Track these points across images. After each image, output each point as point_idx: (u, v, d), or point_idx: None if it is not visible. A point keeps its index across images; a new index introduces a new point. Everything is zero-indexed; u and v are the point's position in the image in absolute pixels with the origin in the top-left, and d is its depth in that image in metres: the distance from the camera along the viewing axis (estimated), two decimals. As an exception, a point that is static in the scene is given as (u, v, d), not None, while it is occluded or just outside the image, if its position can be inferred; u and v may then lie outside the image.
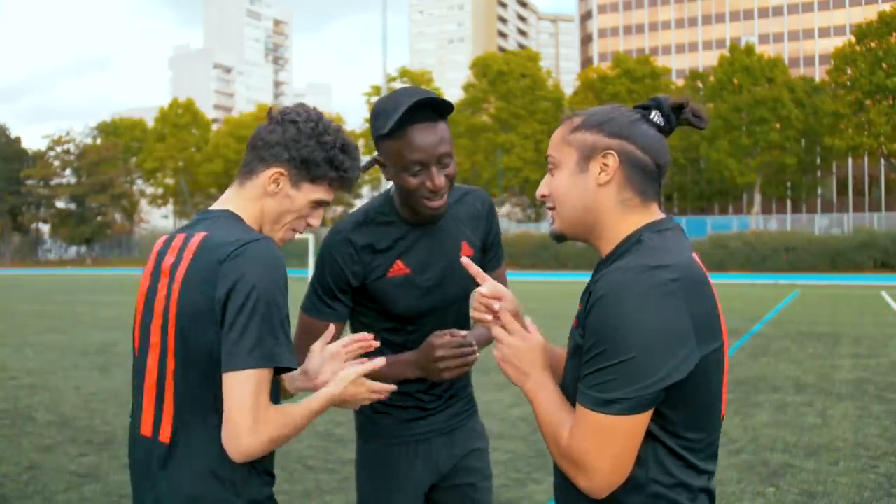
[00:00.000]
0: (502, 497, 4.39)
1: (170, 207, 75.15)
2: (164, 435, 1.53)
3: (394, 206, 1.97)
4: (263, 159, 1.63)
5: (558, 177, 1.46)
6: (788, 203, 63.36)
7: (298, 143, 1.61)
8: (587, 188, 1.42)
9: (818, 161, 57.57)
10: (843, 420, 6.27)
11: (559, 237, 1.50)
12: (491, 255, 2.15)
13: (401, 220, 1.96)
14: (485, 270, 2.01)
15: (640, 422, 1.27)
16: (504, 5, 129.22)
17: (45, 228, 75.92)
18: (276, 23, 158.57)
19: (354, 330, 2.05)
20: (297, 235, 1.75)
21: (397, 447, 2.03)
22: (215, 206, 1.68)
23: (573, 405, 1.38)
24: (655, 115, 1.46)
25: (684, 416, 1.33)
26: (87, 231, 66.88)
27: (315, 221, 1.69)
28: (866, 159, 61.25)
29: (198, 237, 1.56)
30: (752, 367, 8.98)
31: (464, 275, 1.89)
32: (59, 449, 5.46)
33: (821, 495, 4.39)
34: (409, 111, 1.77)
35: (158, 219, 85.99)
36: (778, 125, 52.28)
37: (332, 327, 1.83)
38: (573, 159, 1.44)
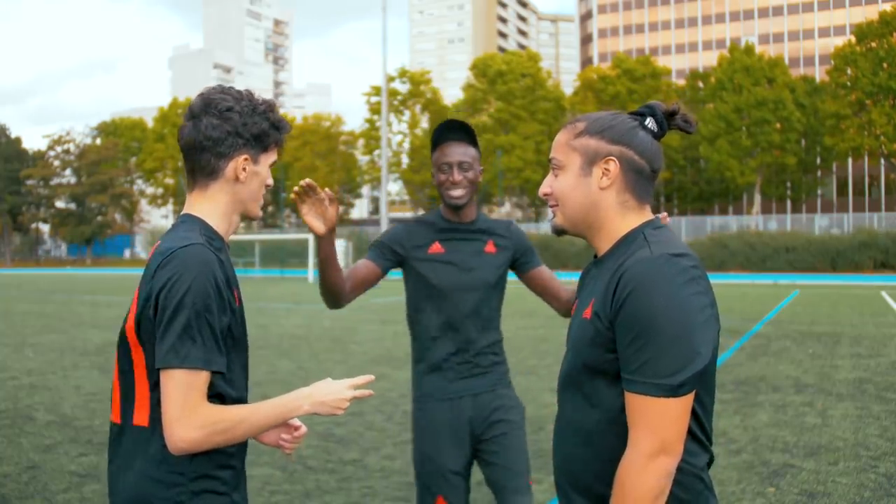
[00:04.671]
0: (502, 497, 4.39)
1: (170, 207, 75.13)
2: (141, 419, 1.63)
3: (440, 213, 2.76)
4: (222, 155, 1.68)
5: (562, 178, 1.58)
6: (788, 203, 63.35)
7: (246, 125, 1.68)
8: (590, 190, 1.55)
9: (818, 161, 57.55)
10: (843, 420, 6.27)
11: (560, 231, 1.63)
12: (529, 258, 2.82)
13: (442, 220, 2.73)
14: (524, 270, 2.81)
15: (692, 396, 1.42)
16: (504, 5, 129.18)
17: (45, 228, 75.87)
18: (276, 23, 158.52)
19: (408, 302, 2.76)
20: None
21: (441, 402, 2.66)
22: (183, 211, 1.75)
23: (581, 390, 1.53)
24: (650, 122, 1.59)
25: (700, 391, 1.46)
26: (87, 231, 66.86)
27: (270, 180, 1.79)
28: (866, 159, 61.22)
29: (155, 247, 1.67)
30: (752, 367, 8.97)
31: (489, 264, 2.71)
32: (59, 449, 5.45)
33: (821, 495, 4.39)
34: (443, 131, 2.65)
35: (158, 219, 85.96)
36: (779, 125, 52.28)
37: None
38: (577, 163, 1.56)
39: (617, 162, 1.53)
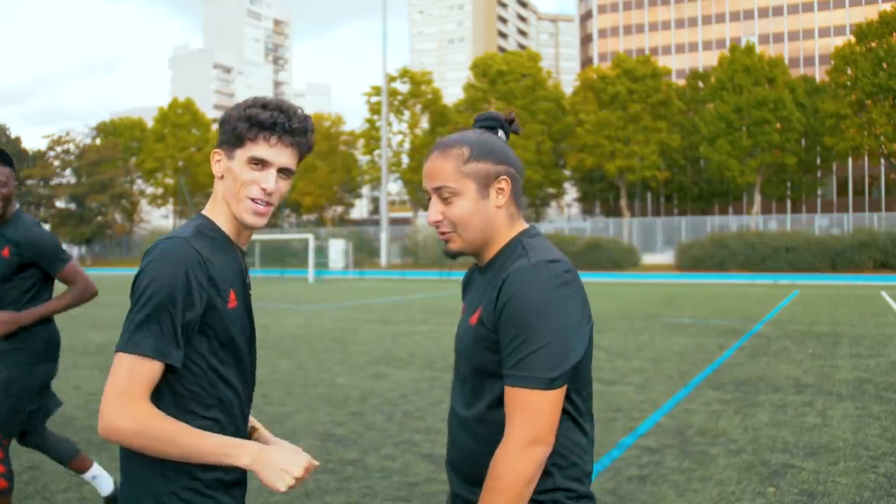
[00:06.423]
0: (502, 497, 4.39)
1: (170, 207, 75.16)
2: None
3: None
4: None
5: (459, 204, 1.64)
6: (788, 203, 63.33)
7: (228, 122, 1.69)
8: (488, 211, 1.65)
9: (818, 161, 57.51)
10: (843, 420, 6.27)
11: (457, 255, 1.71)
12: (48, 265, 3.31)
13: None
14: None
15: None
16: (504, 5, 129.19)
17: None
18: (276, 23, 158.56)
19: None
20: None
21: None
22: None
23: (473, 391, 1.64)
24: (501, 133, 1.74)
25: (577, 384, 1.60)
26: (87, 231, 66.85)
27: (267, 184, 1.66)
28: (866, 159, 61.21)
29: None
30: (752, 367, 8.98)
31: (2, 265, 3.21)
32: (59, 449, 5.45)
33: (821, 495, 4.39)
34: None
35: (158, 219, 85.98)
36: (779, 125, 52.25)
37: None
38: (473, 188, 1.64)
39: (508, 180, 1.65)
